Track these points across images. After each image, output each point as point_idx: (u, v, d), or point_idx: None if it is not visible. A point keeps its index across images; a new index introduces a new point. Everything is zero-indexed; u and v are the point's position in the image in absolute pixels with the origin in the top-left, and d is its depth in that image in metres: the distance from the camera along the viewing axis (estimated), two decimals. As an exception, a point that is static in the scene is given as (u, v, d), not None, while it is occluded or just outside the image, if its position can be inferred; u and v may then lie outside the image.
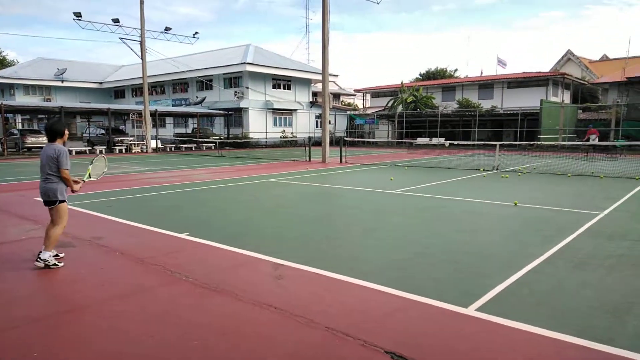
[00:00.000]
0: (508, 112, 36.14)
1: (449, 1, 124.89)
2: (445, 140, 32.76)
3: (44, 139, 29.22)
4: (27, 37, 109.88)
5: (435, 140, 35.41)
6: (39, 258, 4.94)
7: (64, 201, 5.21)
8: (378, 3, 23.81)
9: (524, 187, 11.82)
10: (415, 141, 33.46)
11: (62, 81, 47.75)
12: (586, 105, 37.51)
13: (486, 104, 38.65)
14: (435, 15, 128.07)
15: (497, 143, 17.61)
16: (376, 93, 50.62)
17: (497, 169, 16.11)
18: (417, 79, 57.59)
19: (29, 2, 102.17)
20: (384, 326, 3.56)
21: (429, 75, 58.41)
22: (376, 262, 5.27)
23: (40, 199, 5.31)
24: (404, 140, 33.06)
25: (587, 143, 23.37)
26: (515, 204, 8.95)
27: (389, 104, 43.50)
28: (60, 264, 5.03)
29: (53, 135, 5.27)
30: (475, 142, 23.01)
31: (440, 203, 9.37)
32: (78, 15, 28.22)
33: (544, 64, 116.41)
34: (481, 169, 16.35)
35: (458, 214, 8.23)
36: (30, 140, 28.67)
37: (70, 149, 28.15)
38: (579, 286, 4.46)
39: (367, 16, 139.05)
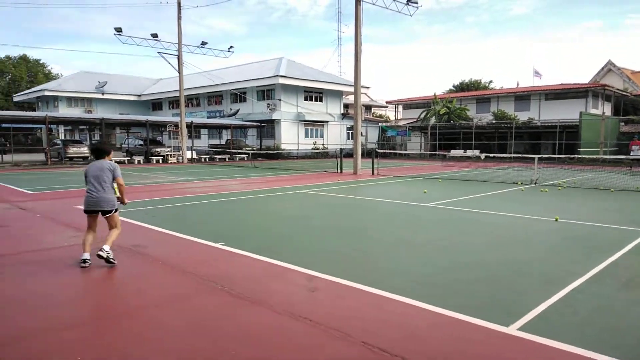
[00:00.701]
0: (546, 125, 35.17)
1: (482, 12, 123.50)
2: (480, 152, 32.14)
3: (84, 149, 30.39)
4: (70, 52, 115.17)
5: (469, 153, 34.77)
6: (103, 249, 5.38)
7: (117, 209, 5.73)
8: (411, 15, 23.78)
9: (565, 202, 11.43)
10: (448, 153, 32.94)
11: (103, 93, 49.68)
12: (629, 117, 36.09)
13: (523, 116, 37.75)
14: (469, 27, 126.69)
15: (536, 156, 17.15)
16: (408, 105, 50.30)
17: (535, 183, 15.65)
18: (450, 91, 57.04)
19: (73, 17, 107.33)
20: (421, 343, 3.48)
21: (462, 87, 57.77)
22: (411, 276, 5.18)
23: (83, 207, 5.69)
24: (437, 153, 32.59)
25: (631, 157, 22.43)
26: (556, 220, 8.65)
27: (422, 116, 43.12)
28: (115, 262, 5.47)
29: (101, 153, 5.76)
30: (512, 155, 22.46)
31: (476, 217, 9.16)
32: (119, 30, 29.37)
33: (582, 75, 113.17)
34: (519, 183, 15.92)
35: (495, 228, 8.02)
36: (72, 150, 29.79)
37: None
38: (627, 306, 4.24)
39: (399, 28, 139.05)
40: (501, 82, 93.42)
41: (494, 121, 37.98)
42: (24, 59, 64.47)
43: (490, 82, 58.93)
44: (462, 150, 36.91)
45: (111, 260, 5.42)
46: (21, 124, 38.01)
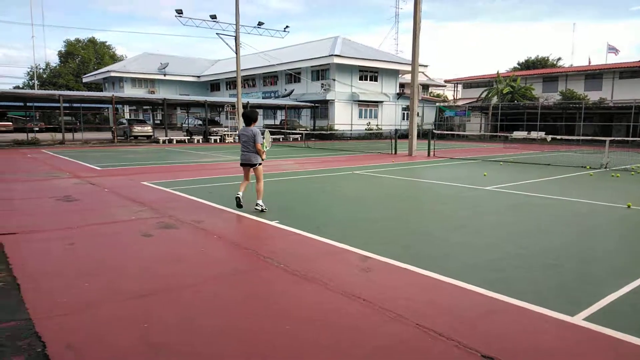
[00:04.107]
0: (619, 105, 32.65)
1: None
2: (546, 134, 30.45)
3: (148, 129, 31.88)
4: (134, 34, 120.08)
5: (534, 134, 33.05)
6: (257, 204, 7.44)
7: (260, 164, 7.48)
8: (474, -11, 22.61)
9: (639, 188, 10.62)
10: (511, 135, 31.43)
11: (165, 75, 51.56)
12: None
13: (593, 96, 35.25)
14: (536, 3, 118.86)
15: (607, 139, 16.01)
16: (468, 84, 48.39)
17: (606, 167, 14.66)
18: (514, 69, 54.20)
19: (137, 0, 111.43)
20: (478, 329, 3.38)
21: (528, 65, 54.72)
22: (468, 261, 5.03)
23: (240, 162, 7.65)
24: (498, 134, 31.17)
25: None
26: (629, 206, 8.07)
27: (483, 95, 41.33)
28: (266, 209, 7.39)
29: (249, 120, 7.37)
30: (580, 137, 21.10)
31: (540, 202, 8.72)
32: (179, 12, 30.13)
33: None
34: (587, 167, 14.97)
35: (560, 214, 7.60)
36: (137, 129, 31.26)
37: (171, 137, 30.41)
38: None
39: (460, 4, 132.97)
40: (571, 60, 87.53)
41: (561, 101, 35.76)
42: (92, 41, 67.99)
43: (559, 59, 55.38)
44: (526, 132, 35.11)
45: (264, 209, 7.39)
46: (90, 104, 40.36)
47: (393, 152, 21.01)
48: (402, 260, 4.90)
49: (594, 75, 37.19)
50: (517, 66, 56.17)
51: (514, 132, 34.59)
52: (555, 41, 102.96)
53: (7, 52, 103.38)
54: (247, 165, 7.50)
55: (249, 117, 7.36)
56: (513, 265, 4.86)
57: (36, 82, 61.24)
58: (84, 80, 58.97)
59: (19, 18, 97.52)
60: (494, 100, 39.25)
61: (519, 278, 4.49)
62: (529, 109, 36.15)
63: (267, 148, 7.66)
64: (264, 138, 7.58)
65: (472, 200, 8.99)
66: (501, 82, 39.43)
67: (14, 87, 62.35)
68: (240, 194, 7.44)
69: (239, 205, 7.35)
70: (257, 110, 44.15)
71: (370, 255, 5.12)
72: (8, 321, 3.39)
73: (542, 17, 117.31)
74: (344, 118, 39.28)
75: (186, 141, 31.64)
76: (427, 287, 4.25)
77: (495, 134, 33.37)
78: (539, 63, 54.26)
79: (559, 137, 20.22)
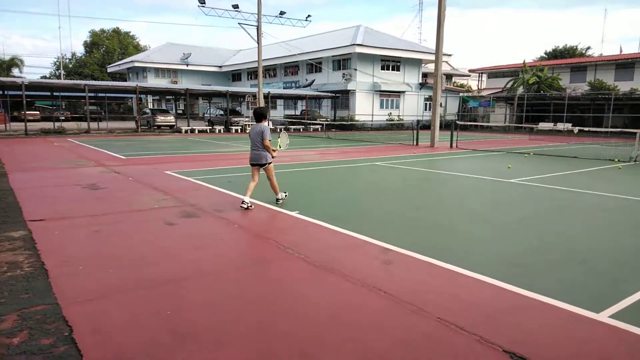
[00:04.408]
0: (651, 96, 31.55)
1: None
2: (573, 126, 29.69)
3: (171, 118, 32.24)
4: (157, 24, 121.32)
5: (560, 126, 32.26)
6: (278, 198, 7.32)
7: (270, 163, 7.14)
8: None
9: (670, 182, 10.27)
10: (537, 126, 30.72)
11: (187, 65, 51.97)
12: None
13: (624, 86, 34.12)
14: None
15: (637, 131, 15.50)
16: (493, 73, 47.43)
17: (635, 160, 14.21)
18: (541, 58, 52.84)
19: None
20: (501, 323, 3.33)
21: (555, 54, 53.28)
22: (491, 255, 4.96)
23: (251, 162, 7.24)
24: (523, 125, 30.48)
25: None
26: (660, 201, 7.82)
27: (508, 85, 40.45)
28: (287, 195, 7.49)
29: (260, 117, 7.12)
30: (609, 129, 20.48)
31: (566, 196, 8.52)
32: (202, 2, 30.22)
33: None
34: (616, 160, 14.54)
35: (587, 209, 7.42)
36: (160, 119, 31.65)
37: (193, 127, 30.72)
38: None
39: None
40: (600, 49, 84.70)
41: (590, 92, 34.74)
42: (116, 32, 68.90)
43: (588, 48, 53.71)
44: (552, 123, 34.27)
45: (284, 198, 7.38)
46: (114, 94, 41.07)
47: (415, 143, 20.79)
48: (423, 253, 4.86)
49: (625, 65, 35.98)
50: (544, 56, 54.77)
51: (540, 124, 33.82)
52: (584, 29, 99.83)
53: (37, 42, 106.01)
54: (256, 165, 7.13)
55: (260, 114, 7.11)
56: (537, 260, 4.77)
57: (62, 72, 62.53)
58: (109, 70, 59.94)
59: (48, 10, 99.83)
60: (520, 90, 38.39)
61: (542, 273, 4.40)
62: (556, 99, 35.25)
63: (282, 149, 7.65)
64: (279, 138, 7.58)
65: (496, 193, 8.84)
66: (527, 71, 38.51)
67: (41, 77, 63.94)
68: (247, 200, 6.87)
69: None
70: (278, 99, 44.33)
71: (391, 247, 5.09)
72: (37, 305, 3.50)
73: (571, 3, 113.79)
74: (365, 108, 39.01)
75: (208, 131, 31.90)
76: (449, 280, 4.20)
77: (520, 125, 32.61)
78: (567, 52, 52.77)
79: (586, 129, 19.68)
